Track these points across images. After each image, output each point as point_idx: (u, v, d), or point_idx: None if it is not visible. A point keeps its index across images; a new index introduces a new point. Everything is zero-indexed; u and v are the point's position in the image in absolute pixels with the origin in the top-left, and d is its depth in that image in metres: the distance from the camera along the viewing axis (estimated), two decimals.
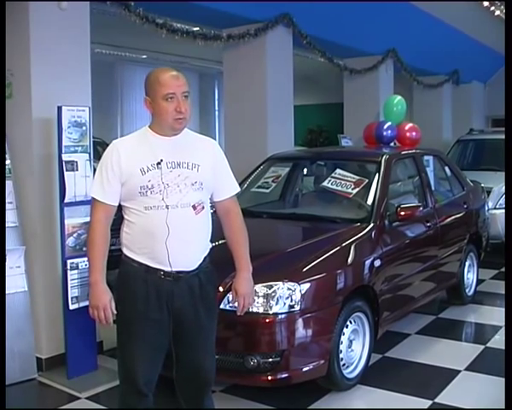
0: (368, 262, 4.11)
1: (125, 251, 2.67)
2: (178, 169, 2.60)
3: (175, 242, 2.57)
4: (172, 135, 2.64)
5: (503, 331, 5.04)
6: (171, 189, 2.57)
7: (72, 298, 4.04)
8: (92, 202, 2.69)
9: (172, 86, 2.56)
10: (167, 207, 2.56)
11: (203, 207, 2.65)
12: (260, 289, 3.44)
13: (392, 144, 6.46)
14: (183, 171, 2.60)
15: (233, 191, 2.84)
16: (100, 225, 2.63)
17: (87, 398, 3.89)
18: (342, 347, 3.84)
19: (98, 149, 7.02)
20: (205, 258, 2.72)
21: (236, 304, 2.84)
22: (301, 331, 3.56)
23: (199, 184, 2.63)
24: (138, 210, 2.59)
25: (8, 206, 4.06)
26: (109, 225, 2.67)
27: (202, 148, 2.73)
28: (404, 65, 9.97)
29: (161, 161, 2.58)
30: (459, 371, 4.23)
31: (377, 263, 4.16)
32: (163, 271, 2.61)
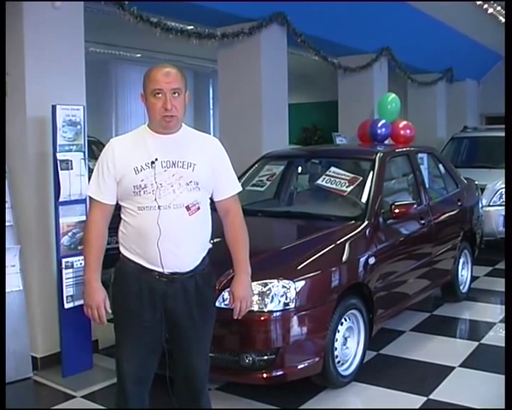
0: (362, 260, 4.12)
1: (122, 250, 2.66)
2: (173, 168, 2.56)
3: (167, 243, 2.53)
4: (167, 133, 2.60)
5: (497, 328, 5.07)
6: (165, 189, 2.53)
7: (67, 297, 4.05)
8: (89, 201, 2.68)
9: (160, 82, 2.52)
10: (159, 207, 2.52)
11: (198, 208, 2.60)
12: (255, 287, 3.43)
13: (386, 142, 6.48)
14: (177, 170, 2.56)
15: (233, 191, 2.77)
16: (95, 225, 2.61)
17: (82, 397, 3.89)
18: (337, 344, 3.85)
19: (93, 147, 6.99)
20: (203, 259, 2.68)
21: (233, 306, 2.81)
22: (296, 329, 3.57)
23: (194, 183, 2.58)
24: (132, 210, 2.57)
25: None
26: (106, 224, 2.65)
27: (201, 146, 2.69)
28: (398, 63, 9.98)
29: (156, 160, 2.54)
30: (453, 368, 4.25)
31: (372, 261, 4.18)
32: (157, 271, 2.58)
